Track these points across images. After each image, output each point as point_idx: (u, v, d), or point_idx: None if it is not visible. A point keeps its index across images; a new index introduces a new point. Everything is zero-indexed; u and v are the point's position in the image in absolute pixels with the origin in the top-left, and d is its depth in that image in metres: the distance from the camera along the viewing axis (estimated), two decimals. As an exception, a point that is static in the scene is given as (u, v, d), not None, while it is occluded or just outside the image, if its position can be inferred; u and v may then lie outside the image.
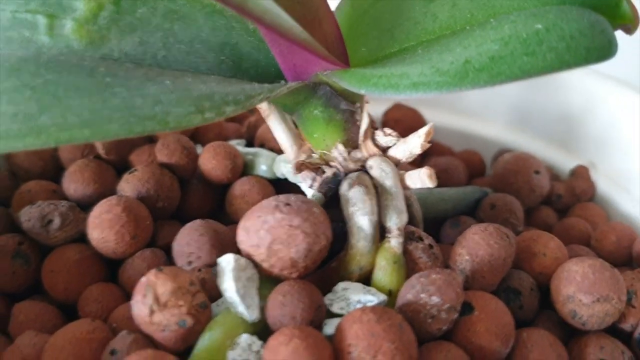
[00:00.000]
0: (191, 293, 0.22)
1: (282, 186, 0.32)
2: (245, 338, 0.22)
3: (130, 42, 0.24)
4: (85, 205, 0.29)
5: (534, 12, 0.22)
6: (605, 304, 0.25)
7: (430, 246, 0.26)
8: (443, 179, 0.35)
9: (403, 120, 0.40)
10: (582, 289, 0.25)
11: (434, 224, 0.32)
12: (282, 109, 0.26)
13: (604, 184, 0.35)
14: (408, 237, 0.26)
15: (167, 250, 0.28)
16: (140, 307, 0.22)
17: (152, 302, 0.22)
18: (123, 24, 0.24)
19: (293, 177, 0.31)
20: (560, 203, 0.35)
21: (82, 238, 0.28)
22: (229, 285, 0.23)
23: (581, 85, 0.38)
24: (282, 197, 0.24)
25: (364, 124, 0.26)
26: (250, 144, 0.35)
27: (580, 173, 0.36)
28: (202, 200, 0.31)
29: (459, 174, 0.36)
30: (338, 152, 0.26)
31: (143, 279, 0.22)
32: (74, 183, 0.30)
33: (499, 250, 0.26)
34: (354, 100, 0.26)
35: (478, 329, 0.23)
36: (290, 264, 0.23)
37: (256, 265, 0.24)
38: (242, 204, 0.30)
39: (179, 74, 0.24)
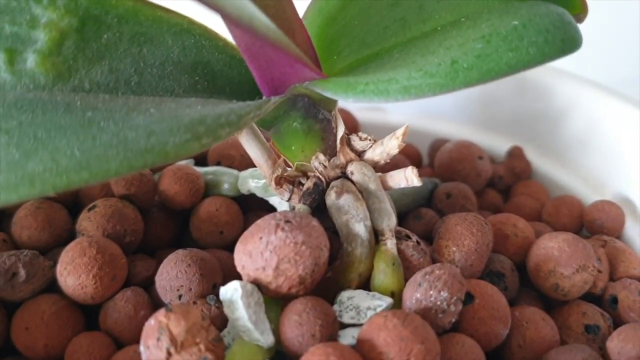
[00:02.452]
0: (205, 328, 0.21)
1: (246, 203, 0.31)
2: (268, 364, 0.22)
3: (99, 71, 0.22)
4: (42, 252, 0.27)
5: (505, 9, 0.24)
6: (583, 273, 0.26)
7: (418, 242, 0.26)
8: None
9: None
10: (561, 262, 0.26)
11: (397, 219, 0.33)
12: (260, 124, 0.26)
13: (538, 161, 0.38)
14: (396, 236, 0.26)
15: (143, 286, 0.27)
16: (154, 351, 0.21)
17: (169, 345, 0.20)
18: (89, 52, 0.22)
19: (261, 192, 0.30)
20: (501, 184, 0.37)
21: (48, 288, 0.26)
22: (241, 314, 0.22)
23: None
24: (279, 215, 0.23)
25: (340, 131, 0.26)
26: (198, 163, 0.34)
27: (516, 153, 0.38)
28: (164, 228, 0.30)
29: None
30: (319, 162, 0.26)
31: (152, 322, 0.21)
32: (27, 229, 0.27)
33: (482, 238, 0.27)
34: (330, 109, 0.26)
35: (482, 315, 0.24)
36: (299, 281, 0.23)
37: (261, 288, 0.23)
38: (210, 226, 0.29)
39: (159, 100, 0.22)
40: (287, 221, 0.23)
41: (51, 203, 0.28)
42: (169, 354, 0.20)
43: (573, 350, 0.24)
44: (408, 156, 0.40)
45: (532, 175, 0.38)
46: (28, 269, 0.25)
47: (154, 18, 0.23)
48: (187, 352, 0.21)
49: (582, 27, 0.24)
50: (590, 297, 0.28)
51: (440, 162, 0.36)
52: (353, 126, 0.40)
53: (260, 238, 0.23)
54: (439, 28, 0.24)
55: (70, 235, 0.28)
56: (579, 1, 0.25)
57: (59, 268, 0.25)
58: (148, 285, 0.27)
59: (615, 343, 0.25)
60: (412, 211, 0.33)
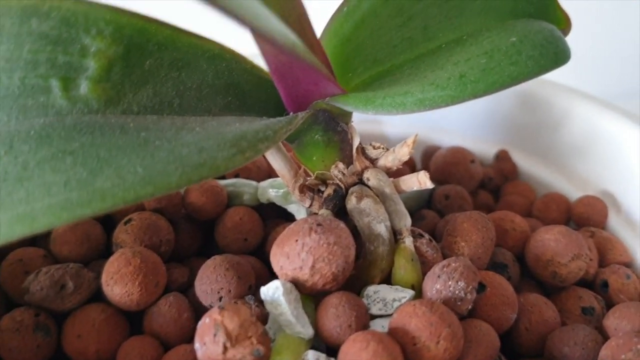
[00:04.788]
0: (254, 323, 0.23)
1: (264, 211, 0.33)
2: (312, 354, 0.24)
3: (145, 95, 0.24)
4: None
5: (502, 27, 0.27)
6: (578, 261, 0.29)
7: (431, 240, 0.29)
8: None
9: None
10: (558, 252, 0.29)
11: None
12: (285, 138, 0.28)
13: (523, 163, 0.41)
14: (411, 235, 0.29)
15: (180, 292, 0.29)
16: (211, 347, 0.23)
17: (225, 339, 0.23)
18: (135, 78, 0.24)
19: (281, 201, 0.32)
20: (491, 185, 0.40)
21: (92, 297, 0.28)
22: (284, 310, 0.24)
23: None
24: (311, 219, 0.26)
25: (356, 141, 0.29)
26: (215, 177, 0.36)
27: (503, 156, 0.41)
28: (191, 238, 0.32)
29: (405, 174, 0.40)
30: (338, 170, 0.28)
31: (207, 320, 0.23)
32: (67, 244, 0.29)
33: (486, 233, 0.30)
34: (346, 122, 0.28)
35: (493, 302, 0.27)
36: (332, 278, 0.25)
37: (298, 285, 0.25)
38: (235, 234, 0.31)
39: (200, 119, 0.24)
40: (319, 224, 0.25)
41: (87, 219, 0.30)
42: (225, 348, 0.23)
43: (575, 329, 0.27)
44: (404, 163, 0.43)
45: (519, 176, 0.41)
46: (75, 280, 0.27)
47: (190, 44, 0.26)
48: (241, 346, 0.23)
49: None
50: (583, 283, 0.31)
51: (436, 166, 0.39)
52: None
53: (296, 240, 0.25)
54: (443, 45, 0.27)
55: (106, 249, 0.30)
56: (563, 17, 0.28)
57: (105, 278, 0.27)
58: (183, 291, 0.29)
59: (611, 320, 0.28)
60: (415, 213, 0.36)
